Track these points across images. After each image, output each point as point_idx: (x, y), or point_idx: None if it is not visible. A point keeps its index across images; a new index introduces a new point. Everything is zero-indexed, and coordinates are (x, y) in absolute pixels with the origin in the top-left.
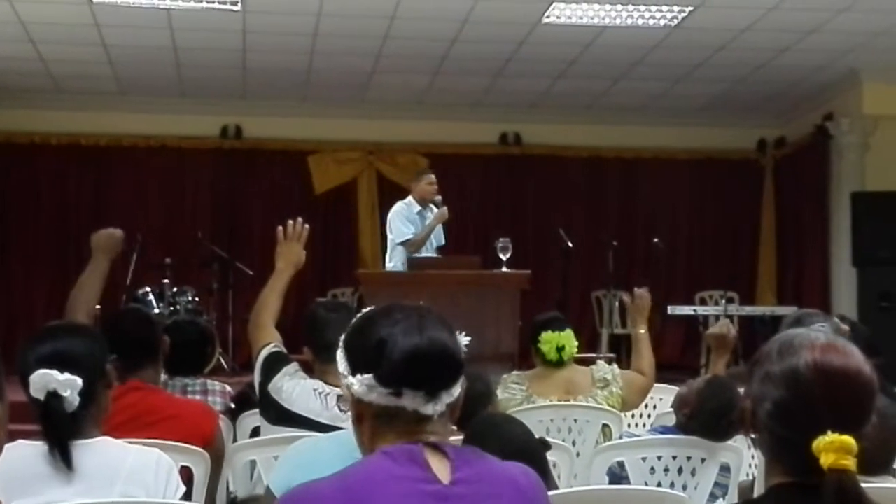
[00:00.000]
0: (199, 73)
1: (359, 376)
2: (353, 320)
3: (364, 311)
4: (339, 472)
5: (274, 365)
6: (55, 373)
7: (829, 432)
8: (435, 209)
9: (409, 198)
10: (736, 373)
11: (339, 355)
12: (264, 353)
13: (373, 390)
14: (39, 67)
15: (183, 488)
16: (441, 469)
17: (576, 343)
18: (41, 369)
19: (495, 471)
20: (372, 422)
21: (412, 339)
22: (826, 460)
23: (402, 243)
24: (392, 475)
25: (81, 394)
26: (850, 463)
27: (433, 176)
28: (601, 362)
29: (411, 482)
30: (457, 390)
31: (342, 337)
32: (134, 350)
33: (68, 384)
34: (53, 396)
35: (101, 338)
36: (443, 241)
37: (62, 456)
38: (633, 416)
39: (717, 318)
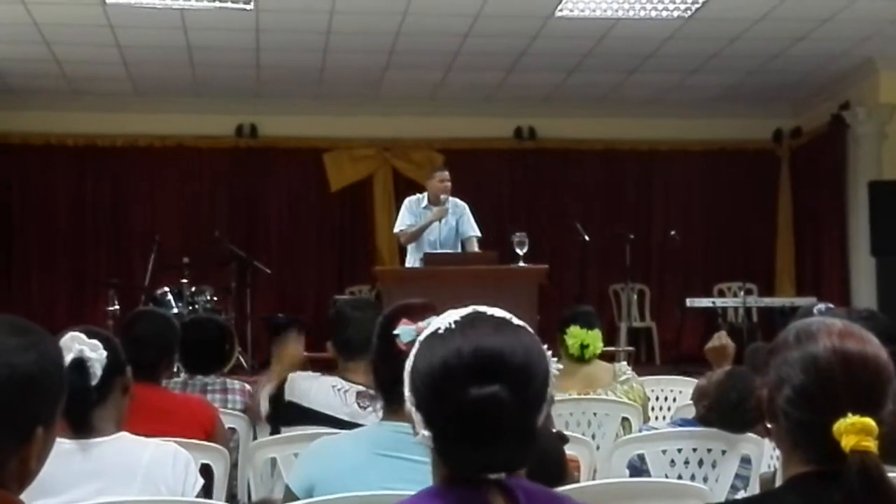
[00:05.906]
0: (213, 72)
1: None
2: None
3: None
4: None
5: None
6: (83, 335)
7: (850, 414)
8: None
9: (425, 193)
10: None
11: None
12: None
13: None
14: (54, 69)
15: (202, 482)
16: None
17: (601, 344)
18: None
19: None
20: None
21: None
22: (847, 442)
23: (397, 234)
24: None
25: (102, 377)
26: (872, 445)
27: (446, 173)
28: (624, 364)
29: None
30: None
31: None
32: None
33: (94, 348)
34: (76, 369)
35: (119, 344)
36: (470, 233)
37: (81, 428)
38: (652, 409)
39: (736, 309)
